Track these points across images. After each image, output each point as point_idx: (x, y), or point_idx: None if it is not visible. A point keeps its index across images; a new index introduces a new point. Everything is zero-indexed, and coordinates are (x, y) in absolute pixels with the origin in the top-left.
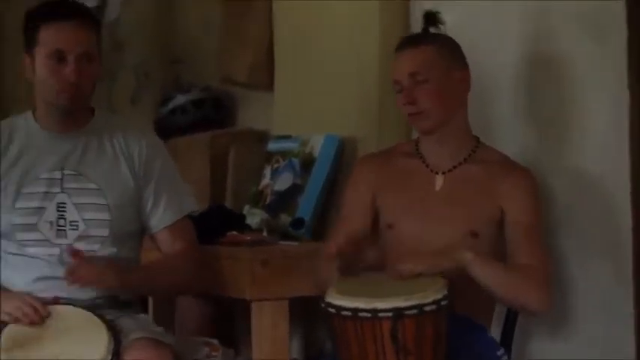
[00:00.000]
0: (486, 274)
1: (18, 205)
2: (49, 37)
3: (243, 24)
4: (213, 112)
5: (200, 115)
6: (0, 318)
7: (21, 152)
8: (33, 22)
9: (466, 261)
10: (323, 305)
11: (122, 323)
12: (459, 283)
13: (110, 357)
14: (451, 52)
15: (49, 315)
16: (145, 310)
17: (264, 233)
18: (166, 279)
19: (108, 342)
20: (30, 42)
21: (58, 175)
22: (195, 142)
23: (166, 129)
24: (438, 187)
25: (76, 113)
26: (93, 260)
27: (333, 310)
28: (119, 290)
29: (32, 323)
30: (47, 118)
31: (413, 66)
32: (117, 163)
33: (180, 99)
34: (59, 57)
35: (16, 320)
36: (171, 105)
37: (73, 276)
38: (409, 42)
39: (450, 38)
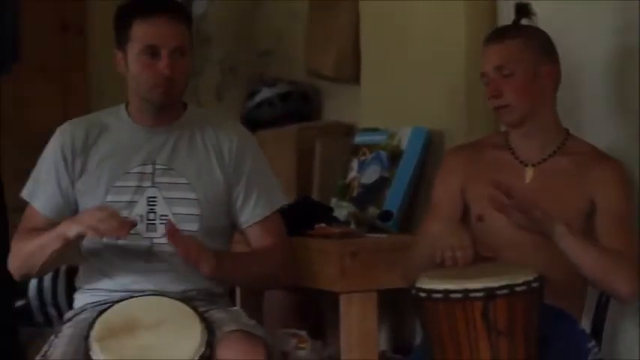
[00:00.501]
0: (577, 249)
1: (109, 198)
2: (142, 32)
3: (329, 17)
4: (299, 105)
5: (287, 109)
6: (75, 232)
7: (113, 146)
8: (125, 19)
9: (558, 231)
10: (413, 292)
11: (214, 315)
12: (551, 273)
13: (204, 349)
14: (540, 45)
15: (131, 227)
16: (233, 303)
17: (352, 226)
18: (257, 270)
19: (202, 333)
20: (122, 38)
21: (149, 169)
22: (282, 135)
23: (253, 123)
24: (527, 180)
25: (168, 108)
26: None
27: (423, 295)
28: (211, 279)
29: (114, 232)
30: (140, 112)
31: (499, 59)
32: (208, 158)
33: (266, 92)
34: (153, 52)
35: (92, 228)
36: (258, 98)
37: (173, 236)
38: (496, 35)
39: (541, 30)
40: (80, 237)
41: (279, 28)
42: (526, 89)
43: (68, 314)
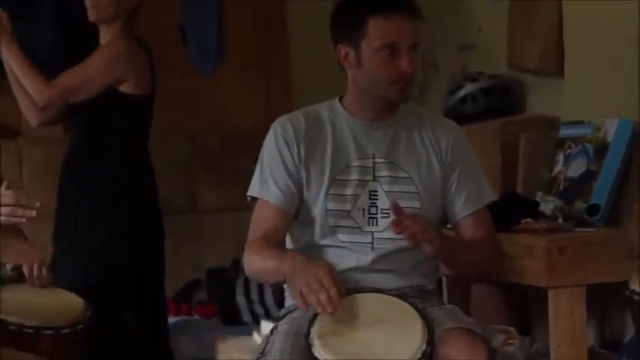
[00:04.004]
0: None
1: (332, 191)
2: (383, 29)
3: (531, 9)
4: (502, 99)
5: (490, 103)
6: (291, 288)
7: (334, 140)
8: (359, 14)
9: None
10: (627, 293)
11: (432, 313)
12: None
13: (425, 346)
14: None
15: (338, 299)
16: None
17: (559, 220)
18: (473, 258)
19: (423, 330)
20: (354, 33)
21: (370, 163)
22: (486, 129)
23: (456, 117)
24: None
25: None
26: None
27: (637, 298)
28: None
29: (318, 308)
30: (360, 107)
31: None
32: (426, 152)
33: (470, 87)
34: (392, 49)
35: (300, 297)
36: (461, 93)
37: (399, 226)
38: None
39: None
40: None
41: (481, 22)
42: None
43: (281, 312)
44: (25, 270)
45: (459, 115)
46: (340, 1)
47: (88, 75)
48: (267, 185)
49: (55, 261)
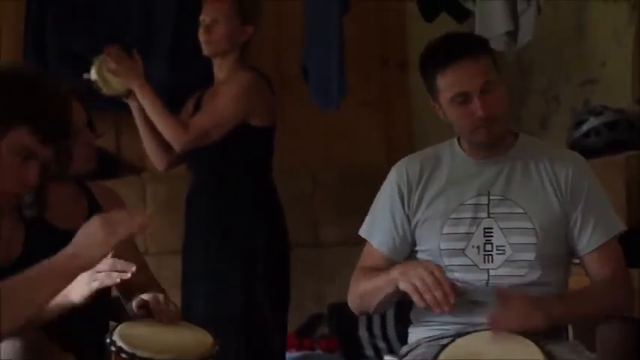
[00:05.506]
0: None
1: (445, 230)
2: (448, 82)
3: None
4: (627, 133)
5: (614, 137)
6: (403, 287)
7: (448, 179)
8: (428, 72)
9: None
10: None
11: (553, 349)
12: None
13: None
14: None
15: (455, 297)
16: (566, 335)
17: None
18: (596, 305)
19: None
20: (431, 89)
21: (484, 200)
22: (610, 164)
23: (580, 152)
24: None
25: (498, 140)
26: (517, 301)
27: None
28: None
29: (436, 306)
30: (471, 147)
31: None
32: (543, 187)
33: (593, 121)
34: (464, 98)
35: (416, 292)
36: (585, 128)
37: (496, 324)
38: None
39: None
40: None
41: (604, 56)
42: None
43: (404, 349)
44: (152, 305)
45: (582, 149)
46: (420, 57)
47: (220, 114)
48: (374, 230)
49: (185, 297)
